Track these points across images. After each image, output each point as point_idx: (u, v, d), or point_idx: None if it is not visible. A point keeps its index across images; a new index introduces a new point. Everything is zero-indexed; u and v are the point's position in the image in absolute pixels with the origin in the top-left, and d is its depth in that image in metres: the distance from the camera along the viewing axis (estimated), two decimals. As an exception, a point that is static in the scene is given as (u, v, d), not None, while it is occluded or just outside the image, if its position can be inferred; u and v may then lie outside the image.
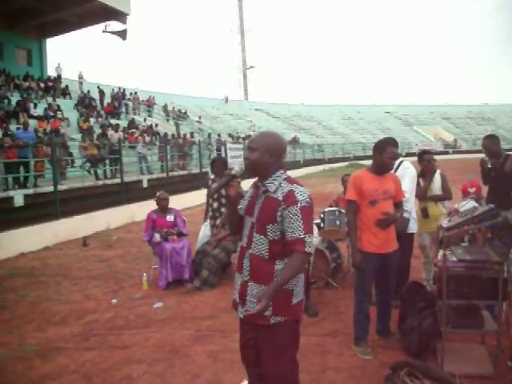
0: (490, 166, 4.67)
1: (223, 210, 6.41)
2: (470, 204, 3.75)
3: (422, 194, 5.11)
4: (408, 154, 38.56)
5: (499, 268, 3.36)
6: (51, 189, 10.52)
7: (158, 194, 6.53)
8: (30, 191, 10.92)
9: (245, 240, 2.55)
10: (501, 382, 3.38)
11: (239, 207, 2.63)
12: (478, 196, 4.51)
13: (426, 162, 5.14)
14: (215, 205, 6.74)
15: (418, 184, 5.08)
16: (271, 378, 2.52)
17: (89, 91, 25.82)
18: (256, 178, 2.59)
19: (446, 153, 42.08)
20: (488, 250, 3.54)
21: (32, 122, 15.73)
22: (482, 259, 3.41)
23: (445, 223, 3.77)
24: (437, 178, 5.16)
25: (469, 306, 3.58)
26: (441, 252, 3.53)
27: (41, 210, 10.13)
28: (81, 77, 28.30)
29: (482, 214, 3.59)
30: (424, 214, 5.08)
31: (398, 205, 3.94)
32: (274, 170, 2.49)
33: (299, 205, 2.37)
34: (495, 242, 3.68)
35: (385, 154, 3.82)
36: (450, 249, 3.58)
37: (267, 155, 2.46)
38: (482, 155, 4.96)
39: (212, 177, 6.91)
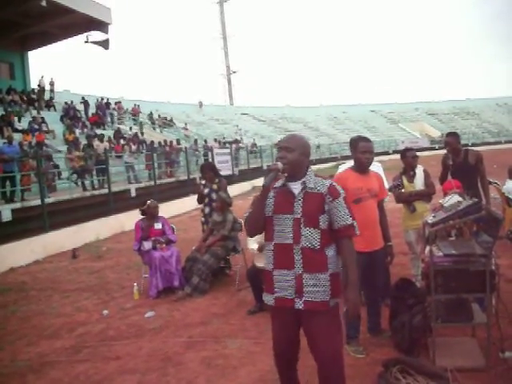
0: (451, 163, 5.10)
1: (215, 215, 6.44)
2: (454, 199, 3.78)
3: (403, 198, 5.18)
4: (395, 152, 38.98)
5: (486, 261, 3.39)
6: (38, 202, 10.46)
7: (148, 202, 6.48)
8: (18, 205, 10.79)
9: (289, 237, 2.60)
10: (493, 374, 3.41)
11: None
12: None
13: (410, 158, 5.21)
14: (207, 210, 6.80)
15: (401, 184, 5.17)
16: (327, 361, 2.62)
17: (72, 101, 25.60)
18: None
19: (433, 148, 42.29)
20: (473, 244, 3.58)
21: (17, 136, 15.57)
22: (468, 253, 3.45)
23: (430, 219, 3.80)
24: (419, 174, 5.20)
25: (458, 300, 3.61)
26: (428, 248, 3.56)
27: (29, 223, 10.06)
28: (52, 83, 27.76)
29: (466, 207, 3.61)
30: (411, 208, 5.14)
31: (381, 203, 3.98)
32: (306, 168, 2.69)
33: (342, 195, 2.63)
34: (481, 235, 3.71)
35: (357, 149, 3.88)
36: (436, 244, 3.61)
37: (303, 156, 2.67)
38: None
39: (203, 182, 6.99)
